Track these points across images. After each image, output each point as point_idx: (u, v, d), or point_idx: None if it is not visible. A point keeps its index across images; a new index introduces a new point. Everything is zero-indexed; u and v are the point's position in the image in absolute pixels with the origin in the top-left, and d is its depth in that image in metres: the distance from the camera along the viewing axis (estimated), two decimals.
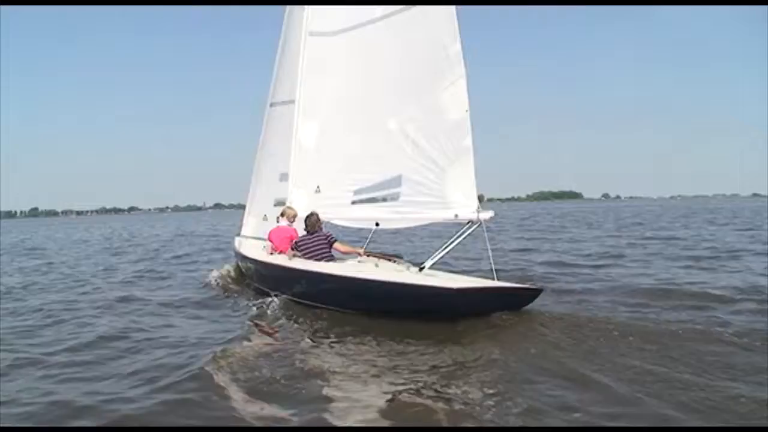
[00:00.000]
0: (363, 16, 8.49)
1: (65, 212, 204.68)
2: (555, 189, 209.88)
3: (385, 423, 3.90)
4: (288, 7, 10.10)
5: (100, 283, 11.26)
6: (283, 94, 10.14)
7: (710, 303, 7.36)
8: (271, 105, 10.58)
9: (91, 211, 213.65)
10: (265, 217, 10.37)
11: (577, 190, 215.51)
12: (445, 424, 3.86)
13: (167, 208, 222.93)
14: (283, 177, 9.46)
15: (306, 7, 9.07)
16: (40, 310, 8.30)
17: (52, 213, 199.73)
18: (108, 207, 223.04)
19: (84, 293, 9.93)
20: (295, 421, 3.98)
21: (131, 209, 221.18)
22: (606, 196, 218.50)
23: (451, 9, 7.69)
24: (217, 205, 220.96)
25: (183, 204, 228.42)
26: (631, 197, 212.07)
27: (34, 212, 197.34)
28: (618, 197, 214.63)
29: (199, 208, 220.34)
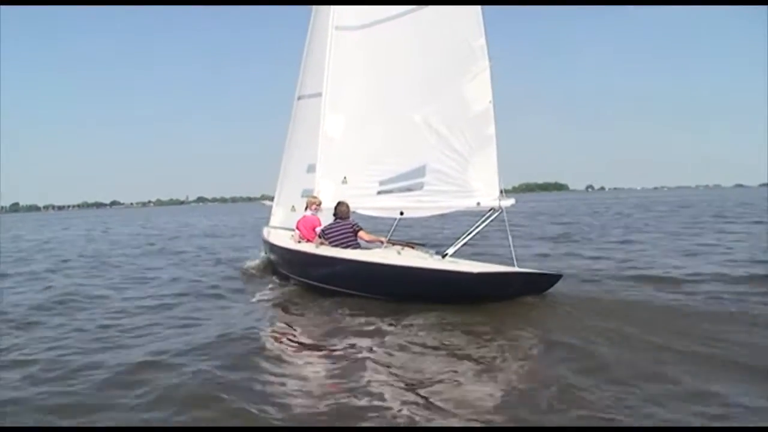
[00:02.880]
0: (389, 11, 8.75)
1: (46, 207, 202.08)
2: (540, 180, 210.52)
3: (401, 409, 3.95)
4: (314, 7, 10.36)
5: None
6: (310, 87, 10.40)
7: None
8: (299, 98, 10.85)
9: (73, 206, 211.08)
10: (293, 208, 10.63)
11: (562, 182, 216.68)
12: (459, 412, 3.95)
13: (149, 202, 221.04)
14: (311, 168, 9.71)
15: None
16: None
17: (34, 208, 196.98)
18: (90, 201, 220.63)
19: None
20: (315, 407, 4.06)
21: (113, 203, 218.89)
22: (590, 187, 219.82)
23: (476, 4, 7.95)
24: (201, 199, 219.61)
25: (165, 198, 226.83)
26: (615, 188, 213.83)
27: (15, 207, 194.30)
28: (602, 188, 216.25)
29: (182, 202, 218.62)
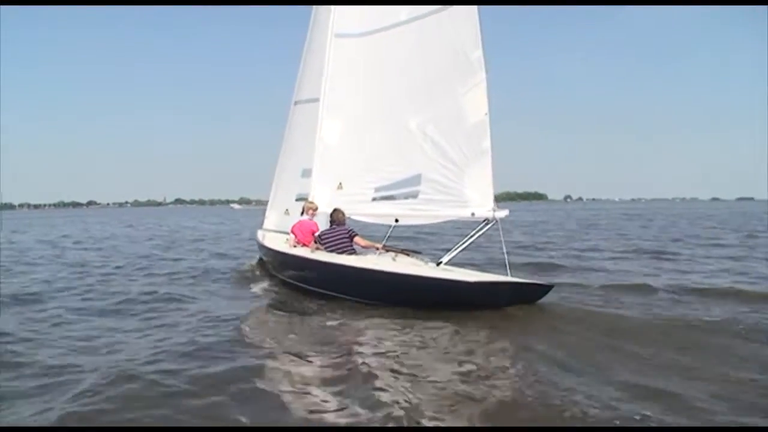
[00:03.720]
0: (387, 20, 8.88)
1: (21, 205, 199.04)
2: (520, 190, 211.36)
3: (392, 416, 3.98)
4: (314, 9, 10.46)
5: None
6: (307, 92, 10.51)
7: None
8: (296, 103, 10.96)
9: (49, 205, 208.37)
10: (286, 212, 10.73)
11: (541, 191, 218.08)
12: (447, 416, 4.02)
13: (126, 202, 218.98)
14: (305, 173, 9.85)
15: (332, 9, 9.41)
16: None
17: (8, 206, 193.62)
18: (66, 201, 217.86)
19: None
20: (305, 413, 4.08)
21: (90, 203, 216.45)
22: (568, 198, 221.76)
23: (474, 16, 8.05)
24: (178, 201, 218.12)
25: (143, 198, 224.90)
26: (593, 199, 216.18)
27: None
28: (580, 199, 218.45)
29: (159, 203, 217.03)
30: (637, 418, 3.84)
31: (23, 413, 4.08)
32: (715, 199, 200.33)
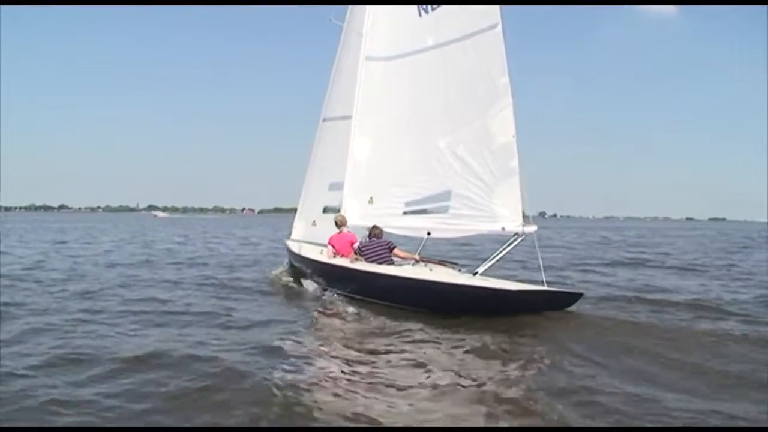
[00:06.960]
0: (416, 45, 9.35)
1: None
2: None
3: (418, 414, 4.28)
4: (343, 32, 10.98)
5: None
6: (336, 110, 10.94)
7: None
8: (324, 120, 11.37)
9: (20, 208, 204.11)
10: (314, 223, 11.12)
11: None
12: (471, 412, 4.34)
13: (98, 207, 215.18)
14: (332, 186, 10.30)
15: (364, 33, 9.85)
16: None
17: None
18: (38, 204, 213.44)
19: None
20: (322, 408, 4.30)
21: (61, 207, 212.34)
22: (542, 214, 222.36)
23: (501, 44, 8.55)
24: (151, 207, 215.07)
25: (115, 204, 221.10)
26: (568, 216, 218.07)
27: None
28: (554, 215, 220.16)
29: (132, 209, 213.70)
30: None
31: None
32: (689, 219, 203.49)
